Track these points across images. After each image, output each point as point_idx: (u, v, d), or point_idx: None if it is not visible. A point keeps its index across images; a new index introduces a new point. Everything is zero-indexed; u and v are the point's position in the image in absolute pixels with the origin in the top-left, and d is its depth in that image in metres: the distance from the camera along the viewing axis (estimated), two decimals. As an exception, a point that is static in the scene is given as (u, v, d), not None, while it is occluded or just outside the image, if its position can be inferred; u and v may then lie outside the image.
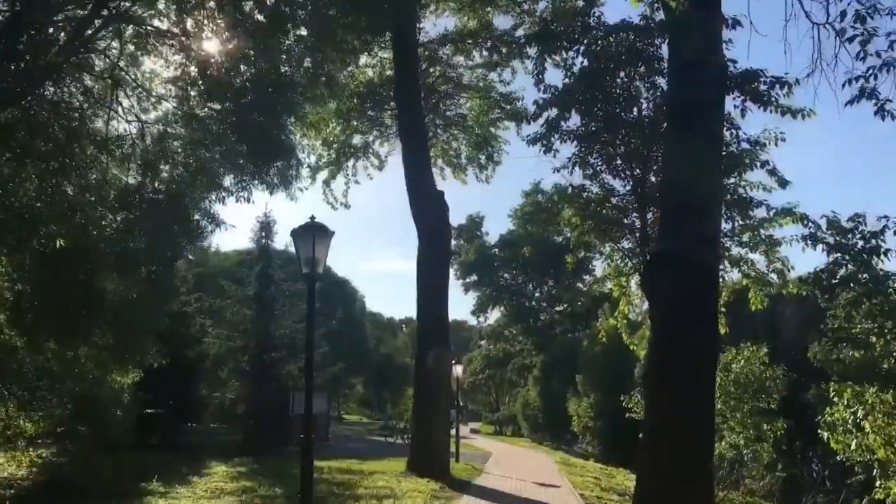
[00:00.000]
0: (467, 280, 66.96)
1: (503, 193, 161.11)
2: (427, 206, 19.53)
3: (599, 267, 15.13)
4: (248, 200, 13.41)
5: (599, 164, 12.42)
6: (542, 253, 63.22)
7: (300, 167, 15.37)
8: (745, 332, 25.97)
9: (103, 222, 11.92)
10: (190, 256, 14.81)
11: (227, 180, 13.19)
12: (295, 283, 28.74)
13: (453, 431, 26.88)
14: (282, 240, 28.31)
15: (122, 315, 12.16)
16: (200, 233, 13.67)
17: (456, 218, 69.02)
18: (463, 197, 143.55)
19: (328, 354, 32.40)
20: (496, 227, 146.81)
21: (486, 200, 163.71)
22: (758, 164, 11.49)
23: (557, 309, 65.87)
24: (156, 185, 12.96)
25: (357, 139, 22.11)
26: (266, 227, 27.42)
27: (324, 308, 46.50)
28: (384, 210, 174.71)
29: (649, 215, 12.10)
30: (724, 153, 11.12)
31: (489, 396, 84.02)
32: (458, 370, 26.35)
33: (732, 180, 11.16)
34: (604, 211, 12.43)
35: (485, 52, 20.40)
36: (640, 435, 11.09)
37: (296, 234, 7.75)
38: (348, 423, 75.45)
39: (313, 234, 7.75)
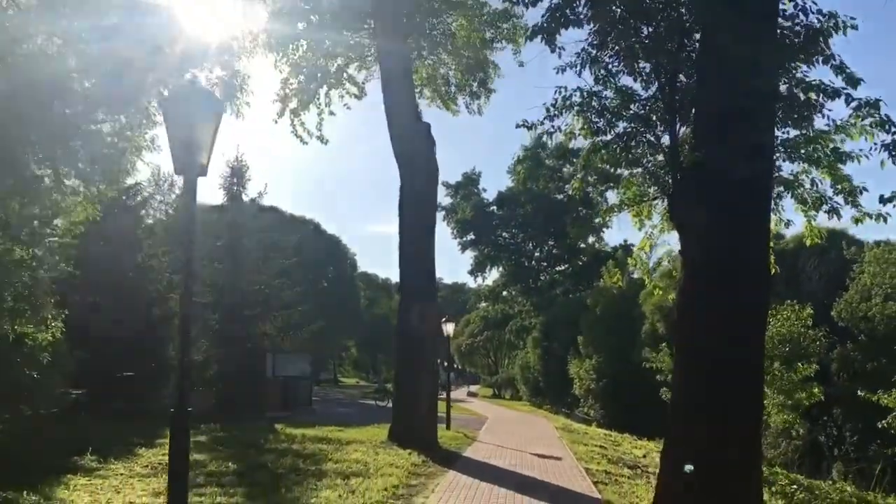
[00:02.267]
0: (464, 239, 64.55)
1: (499, 146, 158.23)
2: (410, 138, 16.89)
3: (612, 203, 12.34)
4: None
5: (616, 62, 9.75)
6: (542, 210, 60.81)
7: (246, 77, 12.79)
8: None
9: None
10: (63, 178, 11.82)
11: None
12: (272, 234, 26.32)
13: (444, 395, 24.87)
14: (255, 187, 25.42)
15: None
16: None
17: (451, 176, 66.84)
18: (456, 154, 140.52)
19: (309, 312, 30.03)
20: (493, 185, 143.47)
21: (481, 157, 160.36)
22: (819, 58, 8.79)
23: (558, 268, 63.68)
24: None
25: (330, 63, 19.30)
26: (237, 173, 24.74)
27: (310, 264, 44.16)
28: (383, 170, 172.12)
29: (681, 128, 9.47)
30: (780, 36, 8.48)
31: (487, 359, 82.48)
32: (448, 328, 23.98)
33: (796, 73, 8.45)
34: (621, 122, 9.80)
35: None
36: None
37: (166, 106, 5.02)
38: (344, 386, 73.94)
39: (190, 105, 4.96)
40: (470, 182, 65.63)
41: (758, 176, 8.30)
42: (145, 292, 24.12)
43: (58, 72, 11.50)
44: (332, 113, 19.92)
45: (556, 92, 9.50)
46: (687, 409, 8.44)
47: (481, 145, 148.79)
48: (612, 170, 10.16)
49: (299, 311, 26.54)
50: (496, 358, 79.20)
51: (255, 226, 25.21)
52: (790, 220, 9.84)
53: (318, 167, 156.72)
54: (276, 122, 19.90)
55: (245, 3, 13.54)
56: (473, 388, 77.99)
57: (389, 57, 17.41)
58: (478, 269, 65.73)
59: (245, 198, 24.95)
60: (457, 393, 62.34)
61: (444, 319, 23.16)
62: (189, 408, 5.26)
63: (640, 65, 9.63)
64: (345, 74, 19.29)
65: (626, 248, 56.34)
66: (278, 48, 17.94)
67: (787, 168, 9.50)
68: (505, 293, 68.40)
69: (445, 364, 31.42)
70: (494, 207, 65.17)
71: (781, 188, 9.39)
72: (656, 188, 9.80)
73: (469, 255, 65.76)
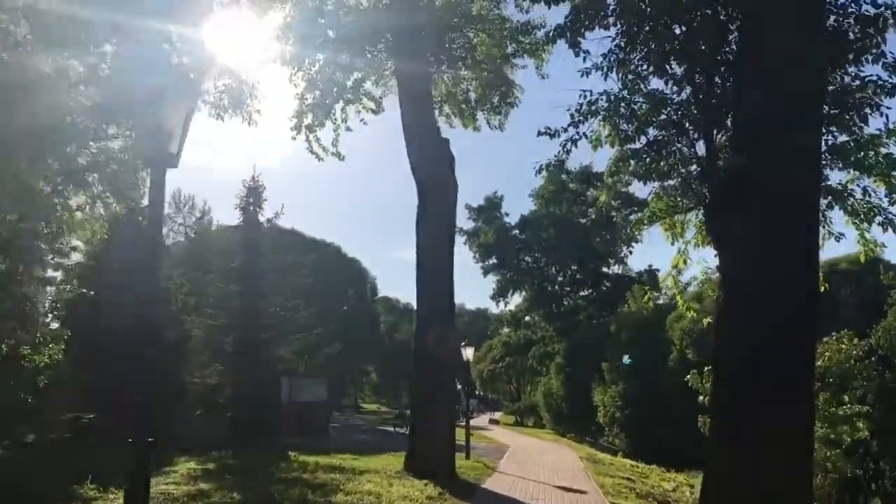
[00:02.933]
0: (486, 263, 63.68)
1: (521, 170, 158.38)
2: (428, 153, 16.31)
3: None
4: None
5: (645, 64, 9.07)
6: (565, 234, 59.87)
7: (255, 86, 12.32)
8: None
9: None
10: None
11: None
12: (286, 255, 25.83)
13: (464, 422, 23.96)
14: (271, 206, 25.00)
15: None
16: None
17: (473, 199, 66.23)
18: (478, 178, 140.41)
19: (328, 335, 29.37)
20: (515, 209, 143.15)
21: (503, 182, 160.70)
22: (868, 56, 8.03)
23: (582, 293, 62.53)
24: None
25: (347, 78, 18.83)
26: (254, 192, 24.32)
27: (329, 287, 43.59)
28: (409, 195, 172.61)
29: (717, 135, 8.74)
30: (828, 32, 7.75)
31: (509, 385, 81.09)
32: (468, 352, 23.13)
33: (847, 70, 7.70)
34: (652, 129, 9.08)
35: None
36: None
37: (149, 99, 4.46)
38: (364, 412, 72.98)
39: (158, 88, 4.35)
40: (492, 205, 64.90)
41: (804, 184, 7.52)
42: (160, 314, 23.69)
43: (61, 85, 11.12)
44: (348, 129, 19.46)
45: (580, 96, 8.85)
46: (728, 440, 7.60)
47: (503, 169, 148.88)
48: (641, 183, 9.33)
49: (316, 334, 25.89)
50: (518, 384, 77.83)
51: (272, 247, 24.74)
52: (841, 234, 8.98)
53: (342, 191, 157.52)
54: (293, 138, 19.49)
55: (261, 18, 13.12)
56: (495, 415, 76.77)
57: (407, 72, 16.93)
58: (500, 293, 64.73)
59: (262, 218, 24.52)
60: (478, 420, 61.23)
61: (463, 343, 22.38)
62: (151, 438, 4.58)
63: (672, 67, 8.95)
64: (362, 89, 18.85)
65: (651, 273, 55.23)
66: (294, 63, 17.57)
67: (834, 177, 8.72)
68: (527, 318, 67.24)
69: (466, 390, 30.56)
70: (517, 231, 64.34)
71: (830, 198, 8.58)
72: (688, 200, 9.03)
73: (491, 280, 64.94)
